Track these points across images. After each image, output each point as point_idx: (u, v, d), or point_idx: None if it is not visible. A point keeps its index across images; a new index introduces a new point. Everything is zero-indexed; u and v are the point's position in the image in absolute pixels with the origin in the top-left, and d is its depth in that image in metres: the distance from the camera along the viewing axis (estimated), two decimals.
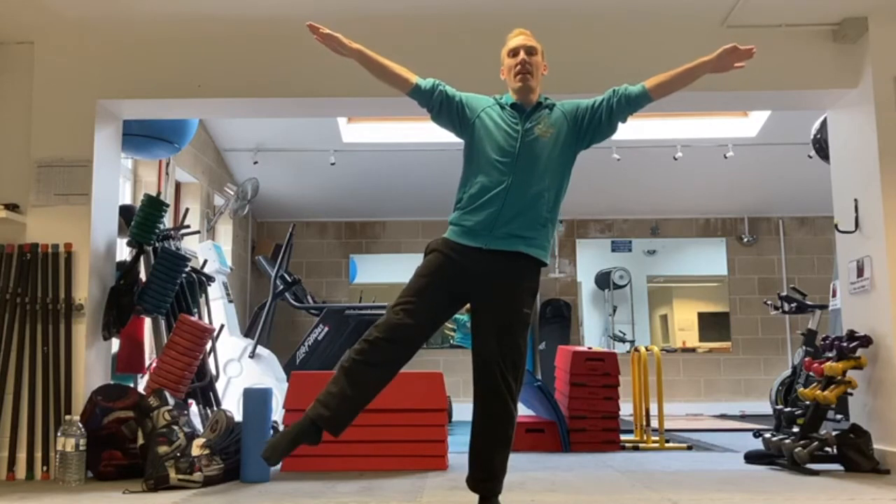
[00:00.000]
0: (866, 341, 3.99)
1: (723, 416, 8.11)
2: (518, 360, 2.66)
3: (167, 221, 4.87)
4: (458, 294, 2.72)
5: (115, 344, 4.41)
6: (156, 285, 4.23)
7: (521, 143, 2.73)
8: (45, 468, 3.89)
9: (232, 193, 7.60)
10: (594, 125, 2.82)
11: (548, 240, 2.77)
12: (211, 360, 4.63)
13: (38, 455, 3.91)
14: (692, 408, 8.56)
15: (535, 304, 2.74)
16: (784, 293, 6.19)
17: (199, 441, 3.61)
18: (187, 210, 5.28)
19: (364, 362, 2.59)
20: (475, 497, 2.73)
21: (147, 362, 4.58)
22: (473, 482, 2.72)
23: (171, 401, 3.76)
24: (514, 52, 2.83)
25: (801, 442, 3.87)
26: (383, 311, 7.30)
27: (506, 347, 2.64)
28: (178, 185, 6.91)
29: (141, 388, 4.20)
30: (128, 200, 5.88)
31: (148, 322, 4.56)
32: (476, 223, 2.70)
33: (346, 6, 4.13)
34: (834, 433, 3.90)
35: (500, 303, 2.67)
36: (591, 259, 9.00)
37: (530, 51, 2.82)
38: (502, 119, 2.80)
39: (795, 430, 4.03)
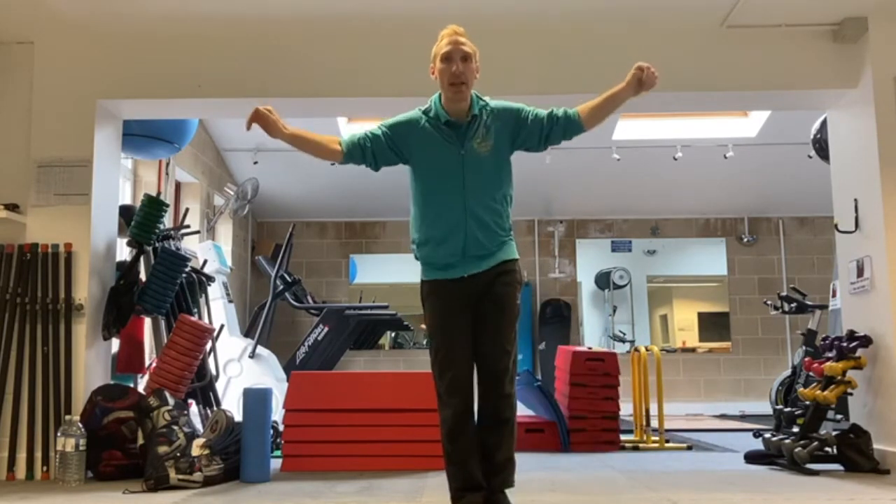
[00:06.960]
0: (866, 341, 3.99)
1: (723, 416, 8.11)
2: (511, 349, 2.71)
3: (167, 221, 4.87)
4: (470, 307, 2.74)
5: (115, 344, 4.41)
6: (156, 285, 4.23)
7: (465, 164, 2.71)
8: (45, 468, 3.89)
9: (232, 193, 7.60)
10: (530, 141, 2.80)
11: (512, 238, 2.80)
12: (211, 360, 4.63)
13: (38, 455, 3.90)
14: (692, 408, 8.56)
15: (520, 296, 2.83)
16: (784, 293, 6.19)
17: (199, 441, 3.61)
18: (187, 210, 5.28)
19: (453, 432, 2.67)
20: None
21: (147, 362, 4.58)
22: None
23: (171, 401, 3.76)
24: (447, 58, 2.69)
25: (801, 442, 3.87)
26: (383, 312, 7.37)
27: (501, 340, 2.70)
28: (178, 185, 6.92)
29: (141, 388, 4.20)
30: (128, 200, 5.88)
31: (148, 322, 4.55)
32: (447, 256, 2.71)
33: (345, 5, 4.13)
34: (834, 433, 3.90)
35: (495, 308, 2.71)
36: (591, 259, 9.00)
37: (465, 57, 2.69)
38: (438, 141, 2.74)
39: (795, 430, 4.03)
